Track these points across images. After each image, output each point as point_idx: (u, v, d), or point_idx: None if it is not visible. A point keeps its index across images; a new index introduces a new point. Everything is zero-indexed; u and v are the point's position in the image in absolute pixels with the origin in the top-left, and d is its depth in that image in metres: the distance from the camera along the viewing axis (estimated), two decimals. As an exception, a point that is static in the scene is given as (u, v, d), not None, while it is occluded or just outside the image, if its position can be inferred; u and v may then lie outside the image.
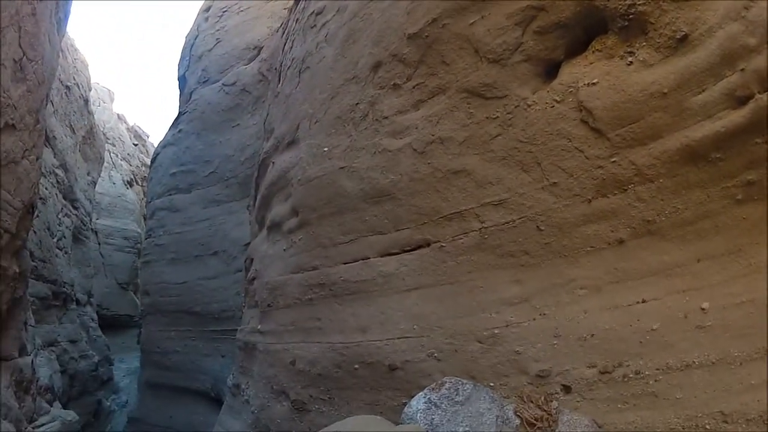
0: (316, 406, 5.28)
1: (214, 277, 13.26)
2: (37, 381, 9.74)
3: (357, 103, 5.12)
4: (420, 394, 4.09)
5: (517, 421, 3.84)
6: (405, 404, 4.40)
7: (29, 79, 7.60)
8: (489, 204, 4.18)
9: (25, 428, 8.34)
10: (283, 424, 5.62)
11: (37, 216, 12.31)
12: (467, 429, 3.90)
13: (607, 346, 3.57)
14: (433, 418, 3.96)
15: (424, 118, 4.55)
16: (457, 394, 4.04)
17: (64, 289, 15.41)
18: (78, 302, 17.81)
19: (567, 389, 3.71)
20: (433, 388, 4.06)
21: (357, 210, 5.02)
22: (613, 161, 3.50)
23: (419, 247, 4.64)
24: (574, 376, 3.67)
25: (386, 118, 4.84)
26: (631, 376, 3.43)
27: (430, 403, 4.02)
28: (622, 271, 3.61)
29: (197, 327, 13.69)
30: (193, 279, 13.80)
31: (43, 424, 9.29)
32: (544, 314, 3.89)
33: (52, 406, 10.38)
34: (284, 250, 5.86)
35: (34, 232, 12.44)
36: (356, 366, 4.87)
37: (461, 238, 4.36)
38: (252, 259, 7.06)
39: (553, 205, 3.83)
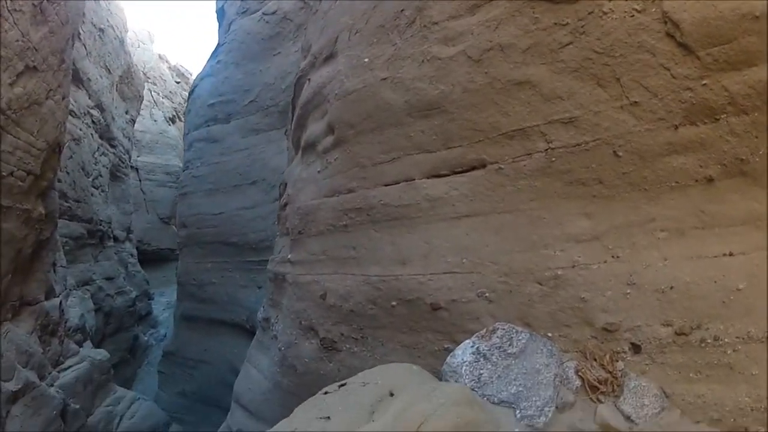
0: (347, 346, 4.83)
1: (252, 206, 13.01)
2: (66, 322, 9.80)
3: (402, 10, 4.46)
4: (467, 342, 3.64)
5: (578, 383, 3.45)
6: (447, 350, 4.02)
7: (51, 20, 7.69)
8: (557, 121, 3.60)
9: (49, 373, 8.38)
10: (311, 363, 5.18)
11: (71, 157, 13.19)
12: (520, 389, 3.44)
13: (686, 303, 3.19)
14: (480, 374, 3.51)
15: (481, 24, 3.92)
16: (510, 345, 3.58)
17: (100, 227, 15.89)
18: (116, 239, 18.40)
19: (636, 349, 3.34)
20: (482, 336, 3.62)
21: (401, 125, 4.40)
22: (704, 84, 3.06)
23: (473, 168, 4.06)
24: (646, 334, 3.30)
25: (436, 24, 4.20)
26: (709, 341, 3.12)
27: (479, 354, 3.57)
28: (710, 215, 3.22)
29: (234, 258, 13.55)
30: (230, 209, 13.58)
31: (69, 367, 9.35)
32: (617, 257, 3.43)
33: (82, 346, 10.48)
34: (318, 172, 5.29)
35: (67, 173, 12.96)
36: (394, 303, 4.37)
37: (523, 160, 3.78)
38: (286, 184, 6.52)
39: (633, 129, 3.32)
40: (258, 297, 11.75)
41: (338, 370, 4.86)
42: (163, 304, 24.27)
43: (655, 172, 3.31)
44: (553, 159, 3.63)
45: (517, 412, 3.34)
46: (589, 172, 3.51)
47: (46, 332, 8.69)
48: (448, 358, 3.65)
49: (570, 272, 3.56)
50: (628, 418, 3.29)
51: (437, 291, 4.11)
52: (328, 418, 3.18)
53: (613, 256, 3.44)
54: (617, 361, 3.40)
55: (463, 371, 3.47)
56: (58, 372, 8.91)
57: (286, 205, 6.23)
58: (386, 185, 4.54)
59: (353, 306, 4.69)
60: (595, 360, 3.49)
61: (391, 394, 3.32)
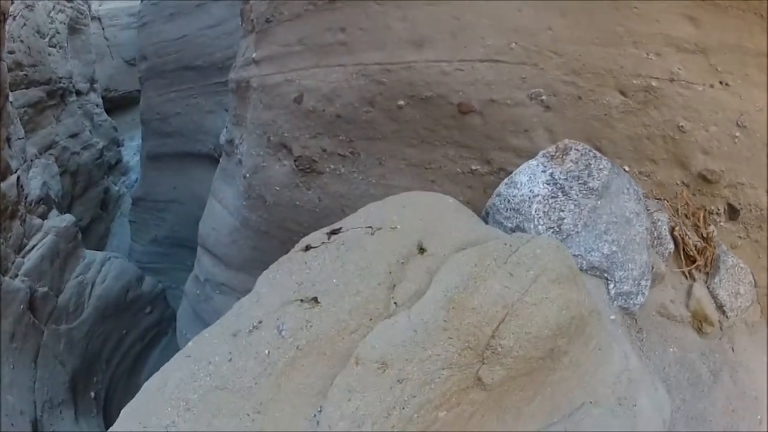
0: (331, 167, 3.75)
1: (217, 24, 11.95)
2: (27, 197, 9.36)
3: None
4: (532, 164, 2.56)
5: (671, 247, 2.74)
6: (474, 173, 3.19)
7: None
8: None
9: (13, 262, 8.08)
10: (283, 192, 4.08)
11: (24, 25, 13.03)
12: (614, 249, 2.35)
13: (798, 170, 2.75)
14: (561, 217, 2.36)
15: None
16: (589, 175, 2.47)
17: (61, 85, 15.39)
18: (78, 93, 17.80)
19: (734, 213, 2.86)
20: (553, 156, 2.53)
21: None
22: None
23: None
24: (749, 197, 2.83)
25: None
26: (813, 227, 2.74)
27: (555, 184, 2.41)
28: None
29: (199, 83, 12.68)
30: (194, 30, 12.52)
31: (33, 247, 8.98)
32: (727, 84, 2.79)
33: (46, 218, 10.00)
34: (298, -59, 3.84)
35: (21, 41, 12.80)
36: (401, 102, 3.27)
37: None
38: (254, -26, 4.98)
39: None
40: (225, 121, 10.97)
41: (319, 199, 3.86)
42: (134, 148, 23.76)
43: (774, 1, 2.63)
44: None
45: (611, 286, 2.33)
46: (701, -34, 2.69)
47: (5, 217, 8.20)
48: (503, 187, 2.55)
49: (667, 86, 2.79)
50: (720, 307, 2.70)
51: (469, 86, 3.03)
52: (315, 300, 1.89)
53: (721, 82, 2.78)
54: (709, 224, 2.81)
55: (533, 212, 2.34)
56: (23, 257, 8.55)
57: (251, -7, 4.73)
58: (399, -61, 3.26)
59: (340, 109, 3.55)
60: (687, 217, 2.82)
61: (422, 250, 2.03)
